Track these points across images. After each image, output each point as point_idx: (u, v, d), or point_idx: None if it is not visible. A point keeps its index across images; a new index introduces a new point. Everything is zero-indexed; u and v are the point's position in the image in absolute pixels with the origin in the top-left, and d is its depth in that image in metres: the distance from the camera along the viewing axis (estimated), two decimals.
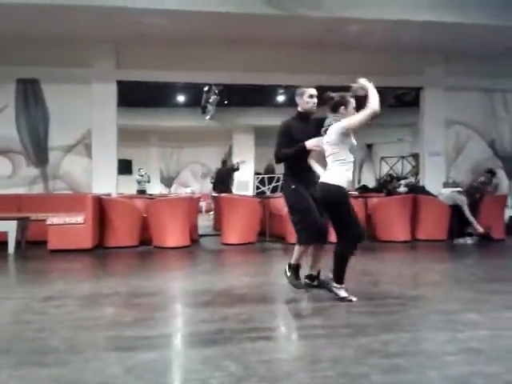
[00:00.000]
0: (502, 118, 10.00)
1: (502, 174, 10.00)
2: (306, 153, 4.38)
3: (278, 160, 4.55)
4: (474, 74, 9.56)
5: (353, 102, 4.13)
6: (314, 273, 4.59)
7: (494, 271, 5.78)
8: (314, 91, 4.50)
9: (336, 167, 4.03)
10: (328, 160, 4.09)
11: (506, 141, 10.04)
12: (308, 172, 4.43)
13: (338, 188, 3.98)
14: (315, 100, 4.47)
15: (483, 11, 7.84)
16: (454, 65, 9.51)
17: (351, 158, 4.06)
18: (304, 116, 4.53)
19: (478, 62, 9.47)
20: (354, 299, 4.06)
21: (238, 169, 12.12)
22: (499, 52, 9.30)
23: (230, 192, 11.37)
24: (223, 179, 11.78)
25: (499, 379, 2.49)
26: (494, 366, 2.65)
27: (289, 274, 4.52)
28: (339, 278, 4.11)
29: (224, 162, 12.88)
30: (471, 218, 8.12)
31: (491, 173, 9.09)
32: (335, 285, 4.13)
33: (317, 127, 4.35)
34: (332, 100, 4.12)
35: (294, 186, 4.45)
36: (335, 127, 4.00)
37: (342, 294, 4.09)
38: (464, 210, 8.14)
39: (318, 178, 4.24)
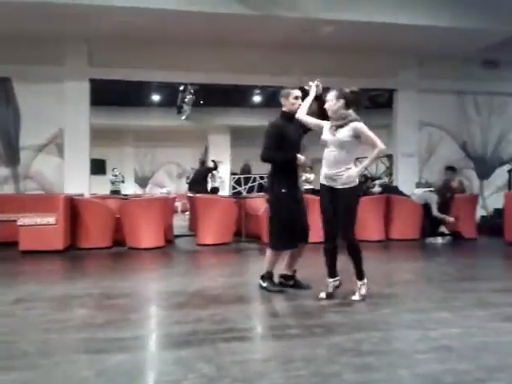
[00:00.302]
0: (473, 121, 10.20)
1: (473, 175, 10.21)
2: (296, 152, 4.48)
3: (266, 161, 4.54)
4: (446, 77, 9.74)
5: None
6: (290, 273, 4.60)
7: (466, 270, 5.89)
8: (299, 93, 4.51)
9: None
10: None
11: (477, 143, 10.24)
12: (297, 171, 4.54)
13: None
14: (300, 101, 4.47)
15: (455, 14, 7.99)
16: (426, 67, 9.67)
17: (325, 153, 4.16)
18: (290, 116, 4.48)
19: (451, 65, 9.65)
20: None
21: (216, 167, 12.10)
22: (471, 55, 9.48)
23: (206, 192, 11.34)
24: (200, 179, 11.76)
25: (470, 376, 2.53)
26: (464, 364, 2.70)
27: (264, 284, 4.50)
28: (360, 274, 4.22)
29: (203, 163, 12.83)
30: (439, 215, 8.28)
31: (451, 169, 9.24)
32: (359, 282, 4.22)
33: (301, 127, 4.45)
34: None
35: (284, 191, 4.40)
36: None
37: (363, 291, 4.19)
38: (432, 207, 8.28)
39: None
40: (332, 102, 4.14)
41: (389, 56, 9.37)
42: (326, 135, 4.15)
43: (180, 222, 11.30)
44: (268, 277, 4.52)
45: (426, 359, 2.78)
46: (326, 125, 4.21)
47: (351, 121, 4.07)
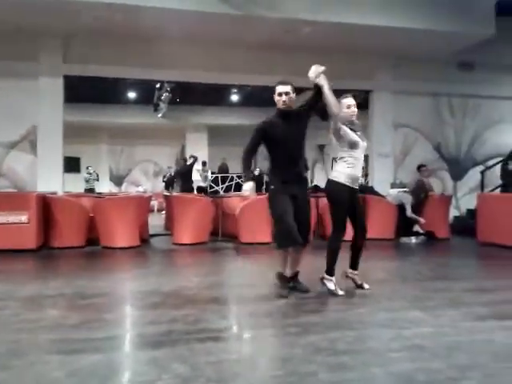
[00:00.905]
0: (447, 122, 10.37)
1: (446, 176, 10.38)
2: (287, 149, 4.31)
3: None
4: (421, 79, 9.88)
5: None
6: (289, 274, 4.44)
7: (439, 270, 5.98)
8: (282, 88, 4.33)
9: (337, 164, 4.40)
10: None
11: (450, 144, 10.42)
12: (294, 168, 4.34)
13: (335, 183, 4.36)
14: (284, 98, 4.29)
15: (431, 17, 8.10)
16: (402, 69, 9.79)
17: (355, 154, 4.35)
18: (282, 113, 4.34)
19: (426, 67, 9.79)
20: (341, 293, 4.29)
21: (196, 158, 12.13)
22: (446, 57, 9.64)
23: (191, 190, 11.33)
24: (187, 177, 11.74)
25: (442, 375, 2.57)
26: (436, 363, 2.73)
27: (279, 282, 4.45)
28: (328, 269, 4.39)
29: (185, 160, 12.73)
30: (412, 216, 8.41)
31: (422, 167, 9.35)
32: (326, 276, 4.38)
33: (300, 121, 4.34)
34: None
35: (273, 187, 4.36)
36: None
37: (330, 286, 4.33)
38: (406, 208, 8.40)
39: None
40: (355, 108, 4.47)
41: (365, 57, 9.45)
42: (357, 138, 4.37)
43: (157, 222, 11.21)
44: (278, 277, 4.45)
45: (399, 358, 2.80)
46: (345, 128, 4.37)
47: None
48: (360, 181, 4.45)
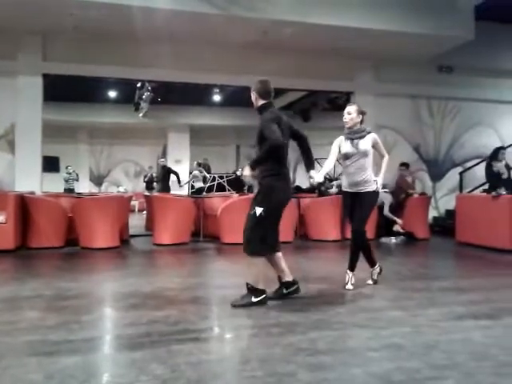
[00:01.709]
0: (426, 124, 10.49)
1: (425, 177, 10.49)
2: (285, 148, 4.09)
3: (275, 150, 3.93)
4: (401, 81, 9.98)
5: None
6: (289, 278, 4.25)
7: (418, 269, 6.05)
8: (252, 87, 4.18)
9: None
10: None
11: (430, 145, 10.53)
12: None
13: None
14: (252, 98, 4.19)
15: (411, 19, 8.18)
16: (382, 71, 9.87)
17: (348, 162, 4.72)
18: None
19: (406, 69, 9.89)
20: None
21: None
22: (426, 60, 9.75)
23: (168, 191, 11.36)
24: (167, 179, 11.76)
25: (420, 374, 2.59)
26: (414, 362, 2.76)
27: (256, 299, 4.01)
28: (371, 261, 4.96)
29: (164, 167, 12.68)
30: (389, 215, 8.53)
31: (405, 165, 9.47)
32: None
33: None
34: None
35: (282, 194, 4.01)
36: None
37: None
38: (384, 207, 8.50)
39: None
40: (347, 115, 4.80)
41: (346, 59, 9.51)
42: (347, 149, 4.71)
43: (137, 222, 11.13)
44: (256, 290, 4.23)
45: (378, 357, 2.83)
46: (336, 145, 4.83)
47: (369, 132, 4.81)
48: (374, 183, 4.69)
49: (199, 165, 13.31)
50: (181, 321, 3.52)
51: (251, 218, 3.99)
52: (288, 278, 4.23)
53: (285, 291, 4.23)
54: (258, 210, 3.94)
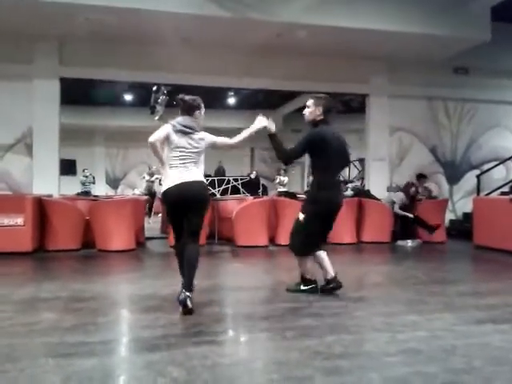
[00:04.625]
0: (443, 126, 10.39)
1: (442, 180, 10.40)
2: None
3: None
4: (417, 83, 9.90)
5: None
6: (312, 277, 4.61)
7: (434, 273, 5.99)
8: (309, 102, 4.50)
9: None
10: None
11: (446, 148, 10.44)
12: None
13: None
14: (308, 109, 4.49)
15: (426, 21, 8.13)
16: (398, 73, 9.80)
17: None
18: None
19: (421, 71, 9.82)
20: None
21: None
22: (441, 61, 9.67)
23: None
24: None
25: (437, 379, 2.57)
26: (432, 367, 2.73)
27: (304, 287, 4.56)
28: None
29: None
30: (398, 211, 8.54)
31: (422, 177, 9.41)
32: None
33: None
34: (185, 103, 4.29)
35: (323, 205, 4.40)
36: None
37: None
38: (395, 205, 8.49)
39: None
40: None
41: (361, 61, 9.47)
42: None
43: (153, 224, 11.20)
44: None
45: (395, 362, 2.80)
46: None
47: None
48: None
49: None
50: (197, 323, 3.53)
51: (294, 223, 4.50)
52: (311, 276, 4.57)
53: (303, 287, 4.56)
54: (301, 216, 4.41)
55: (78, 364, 2.72)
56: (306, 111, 4.47)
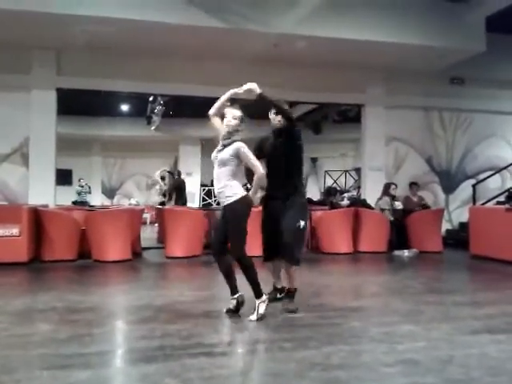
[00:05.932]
0: (438, 136, 10.44)
1: (438, 189, 10.42)
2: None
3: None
4: (413, 93, 9.95)
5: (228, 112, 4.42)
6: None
7: (431, 283, 5.99)
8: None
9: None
10: None
11: (442, 157, 10.47)
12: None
13: None
14: (279, 117, 4.74)
15: (422, 32, 8.19)
16: (394, 83, 9.83)
17: None
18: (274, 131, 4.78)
19: (417, 81, 9.87)
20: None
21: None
22: (437, 72, 9.73)
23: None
24: (182, 191, 11.52)
25: None
26: (430, 377, 2.72)
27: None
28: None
29: (179, 173, 12.47)
30: (392, 218, 8.60)
31: (415, 185, 9.48)
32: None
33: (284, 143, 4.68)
34: None
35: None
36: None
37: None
38: (386, 212, 8.59)
39: None
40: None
41: (357, 72, 9.50)
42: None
43: (149, 234, 11.17)
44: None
45: (392, 373, 2.79)
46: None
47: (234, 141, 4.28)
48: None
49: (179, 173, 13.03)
50: (193, 334, 3.51)
51: (295, 232, 4.18)
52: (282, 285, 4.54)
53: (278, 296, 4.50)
54: (302, 223, 4.22)
55: (73, 376, 2.70)
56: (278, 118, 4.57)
